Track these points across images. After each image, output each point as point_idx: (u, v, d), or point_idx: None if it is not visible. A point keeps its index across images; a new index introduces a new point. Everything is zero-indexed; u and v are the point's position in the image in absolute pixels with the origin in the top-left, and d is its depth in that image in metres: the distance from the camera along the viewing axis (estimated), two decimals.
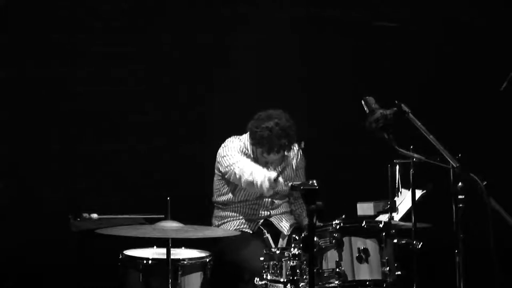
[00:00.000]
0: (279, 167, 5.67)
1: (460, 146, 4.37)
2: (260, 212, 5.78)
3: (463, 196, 4.19)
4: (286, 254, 4.90)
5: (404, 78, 6.89)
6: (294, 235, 4.96)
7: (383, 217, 5.24)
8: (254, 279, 5.05)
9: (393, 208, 5.14)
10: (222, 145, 5.76)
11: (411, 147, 4.74)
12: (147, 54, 6.78)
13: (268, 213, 5.81)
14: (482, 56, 6.94)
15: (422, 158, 4.72)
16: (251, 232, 5.77)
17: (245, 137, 5.75)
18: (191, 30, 6.85)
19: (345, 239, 4.83)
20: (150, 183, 6.76)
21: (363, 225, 4.88)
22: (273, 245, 5.65)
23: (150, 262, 5.02)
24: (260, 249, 5.28)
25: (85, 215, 5.82)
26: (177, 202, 4.96)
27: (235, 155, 5.61)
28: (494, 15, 7.00)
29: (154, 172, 6.80)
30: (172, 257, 4.88)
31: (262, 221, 5.79)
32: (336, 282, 4.76)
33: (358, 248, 4.83)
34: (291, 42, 6.83)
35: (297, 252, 4.82)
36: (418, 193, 5.16)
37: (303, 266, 4.81)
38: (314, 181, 4.14)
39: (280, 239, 5.77)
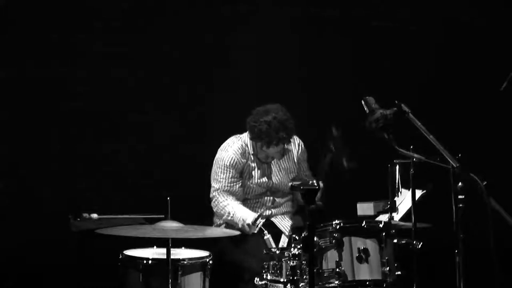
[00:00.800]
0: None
1: (460, 146, 4.36)
2: (261, 210, 5.78)
3: (463, 196, 4.19)
4: (286, 254, 4.90)
5: (404, 78, 6.89)
6: (294, 235, 4.96)
7: (383, 217, 5.24)
8: (254, 279, 5.05)
9: (393, 208, 5.14)
10: (219, 149, 5.84)
11: (411, 147, 4.74)
12: (147, 54, 6.78)
13: (270, 212, 5.82)
14: (482, 56, 6.94)
15: (422, 158, 4.72)
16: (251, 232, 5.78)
17: (245, 135, 5.79)
18: (191, 30, 6.85)
19: (345, 239, 4.83)
20: (150, 183, 6.76)
21: (363, 225, 4.88)
22: (274, 246, 5.65)
23: (150, 262, 5.03)
24: (260, 249, 5.28)
25: (85, 215, 5.82)
26: (177, 202, 4.96)
27: (222, 179, 5.73)
28: (494, 15, 7.00)
29: (154, 172, 6.81)
30: (172, 257, 4.88)
31: (264, 220, 5.80)
32: (336, 282, 4.77)
33: (358, 248, 4.83)
34: (291, 42, 6.83)
35: (297, 252, 4.82)
36: (418, 193, 5.16)
37: (303, 266, 4.81)
38: (314, 181, 4.14)
39: (281, 239, 5.76)
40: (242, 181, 5.76)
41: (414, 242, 4.78)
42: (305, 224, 4.08)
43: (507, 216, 4.14)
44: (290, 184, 4.34)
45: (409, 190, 4.99)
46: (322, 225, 4.85)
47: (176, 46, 6.84)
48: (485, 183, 4.09)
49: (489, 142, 6.83)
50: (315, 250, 4.75)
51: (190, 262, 5.08)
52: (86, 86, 6.71)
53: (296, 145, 5.88)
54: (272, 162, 5.80)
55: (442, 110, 6.83)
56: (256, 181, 5.79)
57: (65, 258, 6.44)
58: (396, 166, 5.12)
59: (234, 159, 5.74)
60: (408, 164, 4.83)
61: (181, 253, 5.18)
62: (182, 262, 5.03)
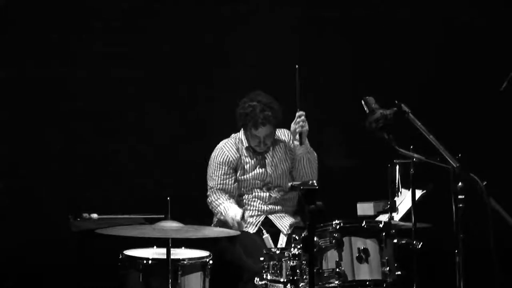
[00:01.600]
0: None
1: (460, 146, 4.36)
2: (258, 206, 5.82)
3: (463, 196, 4.19)
4: (286, 254, 4.90)
5: (404, 78, 6.88)
6: (294, 235, 4.96)
7: (383, 217, 5.24)
8: (254, 279, 5.05)
9: (393, 208, 5.14)
10: (214, 149, 5.93)
11: (411, 147, 4.74)
12: (147, 54, 6.78)
13: (267, 208, 5.85)
14: (482, 56, 6.93)
15: (422, 158, 4.72)
16: (251, 232, 5.79)
17: (240, 132, 5.92)
18: (191, 30, 6.85)
19: (345, 239, 4.83)
20: (150, 183, 6.76)
21: (363, 225, 4.88)
22: (272, 245, 5.67)
23: (150, 262, 5.02)
24: (260, 249, 5.28)
25: (85, 215, 5.82)
26: (177, 202, 4.96)
27: (216, 177, 5.85)
28: (494, 15, 7.00)
29: (154, 172, 6.81)
30: (172, 257, 4.88)
31: (262, 219, 5.82)
32: (336, 282, 4.76)
33: (358, 248, 4.83)
34: (291, 42, 6.83)
35: (297, 252, 4.82)
36: (418, 193, 5.16)
37: (303, 266, 4.81)
38: (314, 181, 4.14)
39: (280, 239, 5.77)
40: (236, 177, 5.83)
41: (414, 242, 4.78)
42: (305, 224, 4.08)
43: (507, 216, 4.14)
44: (290, 184, 4.33)
45: (409, 190, 4.99)
46: (322, 225, 4.85)
47: (176, 46, 6.84)
48: (485, 183, 4.09)
49: (489, 142, 6.82)
50: (315, 250, 4.75)
51: (190, 262, 5.08)
52: (86, 86, 6.71)
53: (286, 135, 5.99)
54: (266, 155, 5.87)
55: (442, 110, 6.83)
56: (250, 173, 5.85)
57: (65, 258, 6.44)
58: (396, 166, 5.12)
59: (227, 155, 5.84)
60: (408, 164, 4.83)
61: (181, 253, 5.18)
62: (182, 262, 5.03)
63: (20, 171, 6.63)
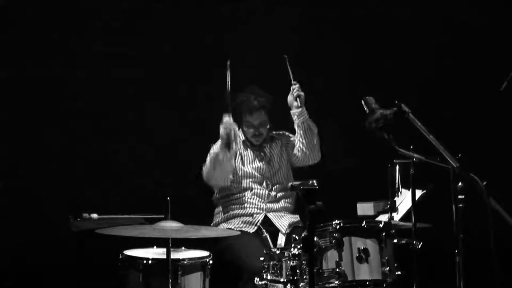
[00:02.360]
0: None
1: (460, 146, 4.36)
2: (258, 204, 5.83)
3: (463, 196, 4.19)
4: (286, 254, 4.90)
5: (404, 78, 6.89)
6: (294, 235, 4.96)
7: (383, 217, 5.24)
8: (254, 279, 5.05)
9: (393, 208, 5.14)
10: None
11: (411, 147, 4.74)
12: (147, 54, 6.78)
13: (266, 206, 5.86)
14: (482, 56, 6.93)
15: (422, 158, 4.73)
16: (251, 231, 5.79)
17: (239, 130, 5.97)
18: (191, 30, 6.85)
19: (345, 239, 4.83)
20: (150, 183, 6.76)
21: (363, 225, 4.88)
22: (271, 245, 5.67)
23: (150, 262, 5.02)
24: (260, 249, 5.29)
25: (85, 215, 5.82)
26: (177, 202, 4.96)
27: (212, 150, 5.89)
28: (494, 15, 7.00)
29: (154, 172, 6.81)
30: (172, 257, 4.88)
31: (262, 218, 5.83)
32: (336, 282, 4.76)
33: (358, 248, 4.83)
34: (291, 42, 6.83)
35: (297, 252, 4.82)
36: (418, 193, 5.16)
37: (303, 266, 4.81)
38: (314, 181, 4.14)
39: (279, 238, 5.77)
40: (234, 163, 5.89)
41: (414, 242, 4.78)
42: (305, 224, 4.08)
43: (507, 216, 4.14)
44: (289, 184, 4.33)
45: (409, 190, 4.99)
46: (322, 225, 4.85)
47: (176, 46, 6.84)
48: (485, 183, 4.09)
49: (489, 142, 6.83)
50: (315, 250, 4.75)
51: (190, 262, 5.08)
52: (86, 86, 6.71)
53: (282, 135, 6.12)
54: (264, 149, 5.99)
55: (442, 110, 6.84)
56: (249, 166, 5.92)
57: (65, 258, 6.44)
58: (396, 166, 5.12)
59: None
60: (408, 164, 4.83)
61: (181, 253, 5.18)
62: (182, 262, 5.03)
63: (20, 171, 6.63)
